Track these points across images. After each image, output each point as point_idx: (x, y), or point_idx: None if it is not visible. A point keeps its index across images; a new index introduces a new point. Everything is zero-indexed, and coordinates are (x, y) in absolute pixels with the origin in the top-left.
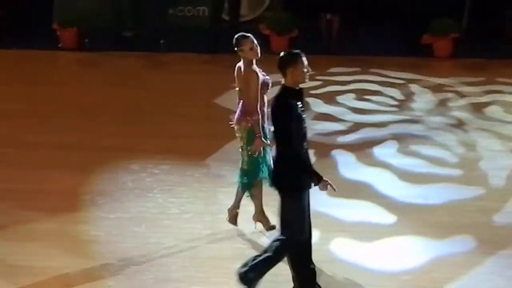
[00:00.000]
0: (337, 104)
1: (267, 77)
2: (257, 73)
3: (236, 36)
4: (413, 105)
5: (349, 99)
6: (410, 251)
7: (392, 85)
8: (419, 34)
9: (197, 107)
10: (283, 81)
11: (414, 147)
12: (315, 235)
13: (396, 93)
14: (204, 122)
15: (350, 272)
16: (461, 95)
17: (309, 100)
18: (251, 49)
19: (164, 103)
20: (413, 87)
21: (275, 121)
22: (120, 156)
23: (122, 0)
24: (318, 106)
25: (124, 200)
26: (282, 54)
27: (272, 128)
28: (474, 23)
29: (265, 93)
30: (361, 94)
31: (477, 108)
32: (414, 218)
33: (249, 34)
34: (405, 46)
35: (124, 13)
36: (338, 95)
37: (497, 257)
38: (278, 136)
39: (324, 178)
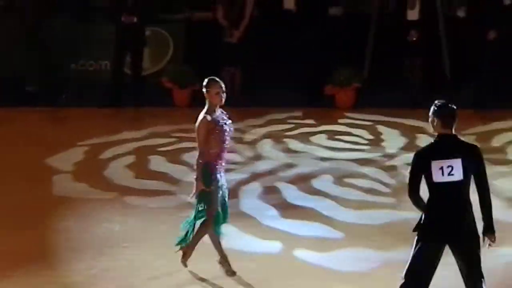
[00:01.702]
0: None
1: (229, 122)
2: (208, 123)
3: (207, 78)
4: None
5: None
6: (363, 257)
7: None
8: (322, 85)
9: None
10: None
11: (347, 180)
12: (278, 246)
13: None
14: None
15: (315, 273)
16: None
17: None
18: (217, 93)
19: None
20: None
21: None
22: None
23: (25, 54)
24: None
25: None
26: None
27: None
28: (376, 72)
29: (223, 140)
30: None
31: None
32: (358, 235)
33: (219, 80)
34: (309, 97)
35: (26, 68)
36: None
37: None
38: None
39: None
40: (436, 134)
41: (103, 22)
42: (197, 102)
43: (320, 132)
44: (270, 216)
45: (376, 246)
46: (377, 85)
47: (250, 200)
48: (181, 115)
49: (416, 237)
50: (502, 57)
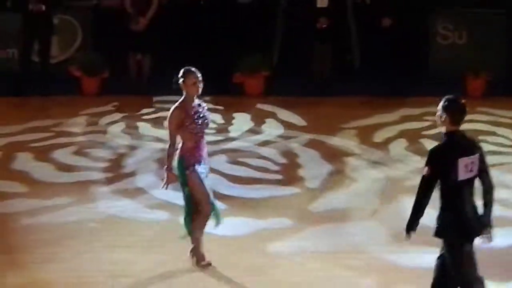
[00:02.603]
0: None
1: (205, 114)
2: (178, 114)
3: (182, 69)
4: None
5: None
6: (240, 225)
7: None
8: (231, 72)
9: None
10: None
11: (241, 159)
12: (165, 215)
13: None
14: None
15: None
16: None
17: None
18: (194, 84)
19: None
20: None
21: None
22: None
23: None
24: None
25: None
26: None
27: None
28: (285, 60)
29: (195, 132)
30: None
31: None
32: (244, 207)
33: (194, 69)
34: (217, 85)
35: None
36: None
37: (312, 230)
38: None
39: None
40: (444, 130)
41: (10, 10)
42: (107, 90)
43: None
44: (164, 191)
45: (253, 216)
46: (286, 72)
47: (147, 176)
48: (87, 104)
49: (447, 241)
50: (396, 44)
